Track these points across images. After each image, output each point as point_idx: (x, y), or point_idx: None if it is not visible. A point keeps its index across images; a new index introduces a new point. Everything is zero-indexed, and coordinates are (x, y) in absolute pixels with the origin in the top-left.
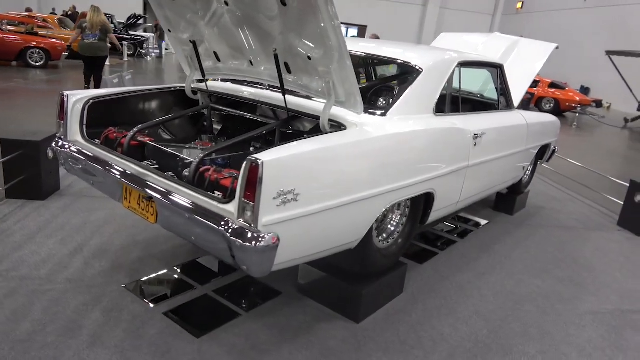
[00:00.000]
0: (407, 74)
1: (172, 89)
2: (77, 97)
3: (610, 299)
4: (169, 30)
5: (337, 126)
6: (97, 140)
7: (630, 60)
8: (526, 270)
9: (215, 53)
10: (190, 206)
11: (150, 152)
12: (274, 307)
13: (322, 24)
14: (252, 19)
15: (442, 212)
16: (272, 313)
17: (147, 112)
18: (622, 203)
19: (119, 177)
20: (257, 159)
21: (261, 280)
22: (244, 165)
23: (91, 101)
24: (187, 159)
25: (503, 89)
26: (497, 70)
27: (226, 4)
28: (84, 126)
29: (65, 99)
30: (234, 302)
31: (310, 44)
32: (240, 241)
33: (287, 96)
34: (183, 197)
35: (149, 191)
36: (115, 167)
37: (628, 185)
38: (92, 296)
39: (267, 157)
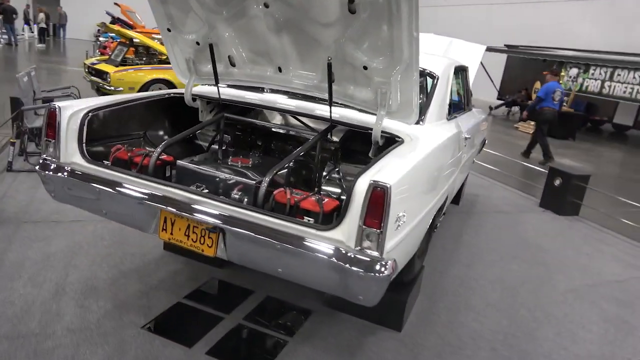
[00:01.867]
0: (425, 80)
1: (166, 95)
2: (73, 110)
3: (574, 275)
4: (168, 30)
5: (391, 138)
6: (106, 162)
7: (496, 54)
8: (500, 258)
9: (229, 57)
10: (280, 235)
11: (185, 173)
12: (312, 327)
13: (399, 35)
14: (298, 24)
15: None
16: (316, 334)
17: (143, 122)
18: (540, 186)
19: (157, 204)
20: (382, 182)
21: (285, 300)
22: (358, 188)
23: (90, 114)
24: (246, 182)
25: (467, 90)
26: (464, 72)
27: (266, 5)
28: (84, 145)
29: (57, 112)
30: (272, 328)
31: (373, 54)
32: (362, 271)
33: (309, 103)
34: (264, 224)
35: (211, 220)
36: (149, 193)
37: (547, 171)
38: (112, 347)
39: (390, 180)
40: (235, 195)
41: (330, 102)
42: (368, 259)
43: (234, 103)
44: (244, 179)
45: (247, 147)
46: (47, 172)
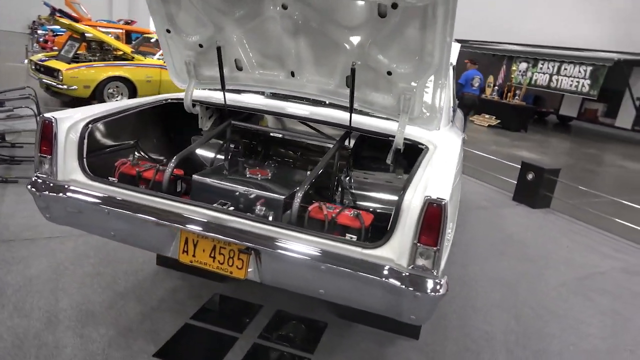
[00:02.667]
0: None
1: (164, 101)
2: (71, 122)
3: (561, 269)
4: (167, 31)
5: (413, 144)
6: (111, 178)
7: None
8: (490, 255)
9: (236, 60)
10: (325, 256)
11: (203, 188)
12: (330, 340)
13: (432, 40)
14: (319, 27)
15: None
16: (336, 348)
17: (140, 132)
18: (508, 179)
19: (178, 225)
20: (439, 198)
21: (296, 314)
22: (412, 204)
23: (90, 126)
24: (274, 197)
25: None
26: (453, 72)
27: (284, 7)
28: (84, 160)
29: (53, 124)
30: (291, 345)
31: (400, 59)
32: (418, 292)
33: (319, 108)
34: (304, 244)
35: (243, 241)
36: (168, 212)
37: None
38: None
39: (445, 195)
40: (260, 211)
41: (351, 109)
42: (424, 279)
43: (242, 110)
44: (270, 194)
45: (258, 156)
46: (42, 192)
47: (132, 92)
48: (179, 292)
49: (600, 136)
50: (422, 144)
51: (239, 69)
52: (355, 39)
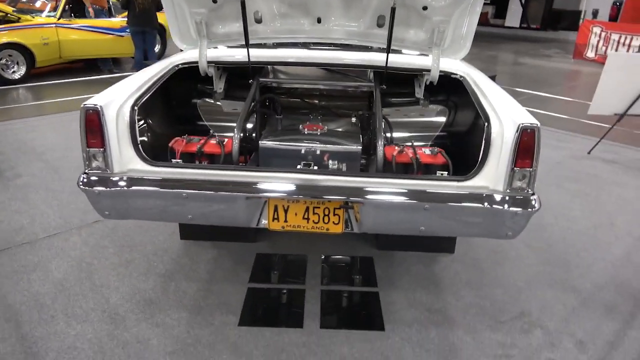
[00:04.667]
0: None
1: (176, 67)
2: (117, 107)
3: None
4: None
5: (444, 75)
6: (176, 160)
7: None
8: None
9: (254, 13)
10: (425, 195)
11: (274, 154)
12: (384, 272)
13: None
14: None
15: None
16: (393, 277)
17: (168, 104)
18: None
19: (268, 194)
20: (532, 123)
21: (341, 255)
22: (506, 133)
23: (136, 108)
24: (351, 149)
25: None
26: None
27: None
28: (139, 146)
29: (100, 113)
30: (354, 283)
31: None
32: (520, 209)
33: (340, 52)
34: (401, 189)
35: (340, 197)
36: (253, 184)
37: None
38: (237, 354)
39: (532, 119)
40: (336, 165)
41: (388, 49)
42: (524, 198)
43: (268, 64)
44: (345, 147)
45: (296, 110)
46: (102, 188)
47: (31, 60)
48: (221, 260)
49: (494, 37)
50: (455, 74)
51: (258, 21)
52: None
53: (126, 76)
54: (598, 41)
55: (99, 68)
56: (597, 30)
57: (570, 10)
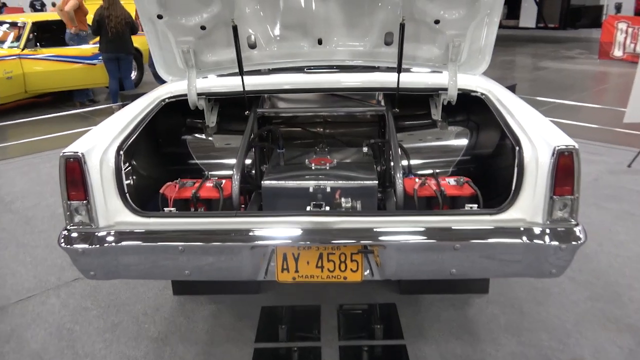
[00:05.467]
0: None
1: (162, 103)
2: (100, 153)
3: None
4: (159, 16)
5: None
6: (169, 209)
7: None
8: None
9: (248, 37)
10: (453, 234)
11: (279, 194)
12: (411, 320)
13: None
14: None
15: None
16: (422, 325)
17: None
18: None
19: (275, 242)
20: (569, 146)
21: (358, 303)
22: (540, 159)
23: (121, 152)
24: (366, 185)
25: None
26: None
27: None
28: (127, 195)
29: (81, 161)
30: (377, 337)
31: (450, 5)
32: (564, 244)
33: (344, 75)
34: (425, 227)
35: (356, 241)
36: (256, 232)
37: None
38: None
39: (568, 140)
40: (350, 203)
41: (399, 68)
42: (567, 230)
43: (265, 93)
44: (360, 182)
45: (298, 142)
46: (86, 245)
47: None
48: (221, 317)
49: (507, 40)
50: (475, 91)
51: (252, 46)
52: None
53: (100, 110)
54: (625, 38)
55: (72, 101)
56: (622, 26)
57: (591, 6)
